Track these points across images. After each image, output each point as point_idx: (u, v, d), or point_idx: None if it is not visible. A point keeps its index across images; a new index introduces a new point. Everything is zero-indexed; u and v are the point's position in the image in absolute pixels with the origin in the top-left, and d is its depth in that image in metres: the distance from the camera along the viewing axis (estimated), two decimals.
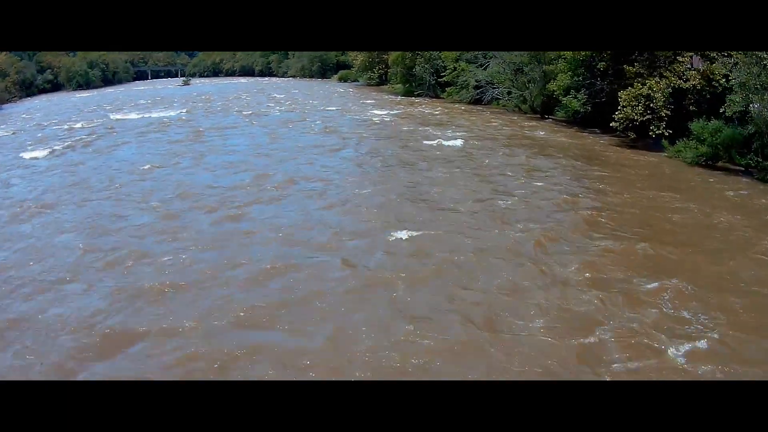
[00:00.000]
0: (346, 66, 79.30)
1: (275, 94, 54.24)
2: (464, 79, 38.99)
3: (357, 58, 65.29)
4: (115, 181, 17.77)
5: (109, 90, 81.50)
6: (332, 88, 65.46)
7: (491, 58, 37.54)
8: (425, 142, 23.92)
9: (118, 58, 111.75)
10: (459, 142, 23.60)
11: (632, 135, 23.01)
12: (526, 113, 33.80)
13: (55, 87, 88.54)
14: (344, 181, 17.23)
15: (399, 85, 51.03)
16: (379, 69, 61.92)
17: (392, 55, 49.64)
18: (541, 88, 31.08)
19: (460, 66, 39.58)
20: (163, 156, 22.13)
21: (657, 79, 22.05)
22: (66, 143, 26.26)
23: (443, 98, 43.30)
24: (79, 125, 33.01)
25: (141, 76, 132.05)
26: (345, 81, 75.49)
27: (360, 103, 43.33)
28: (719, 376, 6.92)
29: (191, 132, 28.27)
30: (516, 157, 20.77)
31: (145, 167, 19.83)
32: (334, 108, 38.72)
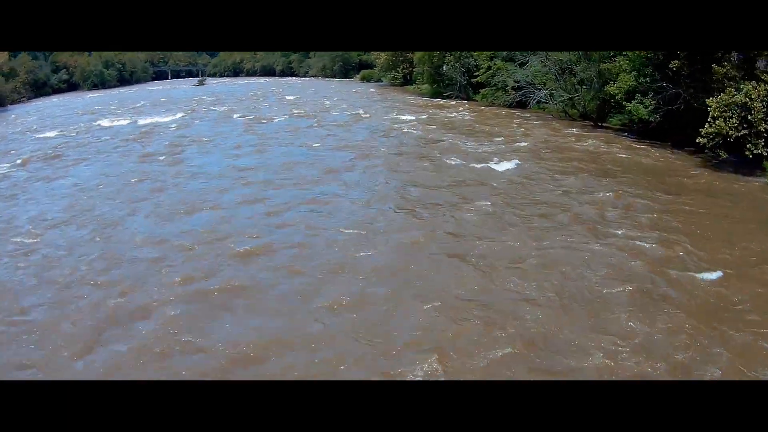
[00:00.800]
0: (369, 65, 74.52)
1: (289, 96, 49.56)
2: (501, 79, 33.80)
3: (380, 57, 60.27)
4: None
5: (122, 90, 79.03)
6: (353, 88, 60.50)
7: (532, 55, 32.46)
8: (457, 160, 18.79)
9: (136, 58, 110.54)
10: (501, 161, 18.47)
11: (723, 154, 17.69)
12: (574, 119, 28.60)
13: (71, 87, 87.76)
14: (340, 241, 11.15)
15: (426, 86, 45.96)
16: (404, 68, 56.99)
17: (418, 54, 44.38)
18: (596, 90, 25.82)
19: (495, 65, 34.42)
20: (107, 188, 16.41)
21: (754, 83, 16.82)
22: (24, 157, 22.01)
23: (476, 101, 38.28)
24: (53, 134, 28.69)
25: (160, 76, 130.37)
26: (367, 81, 70.79)
27: (382, 105, 38.24)
28: None
29: (170, 145, 23.49)
30: (573, 182, 15.78)
31: (57, 218, 13.61)
32: (350, 112, 33.69)
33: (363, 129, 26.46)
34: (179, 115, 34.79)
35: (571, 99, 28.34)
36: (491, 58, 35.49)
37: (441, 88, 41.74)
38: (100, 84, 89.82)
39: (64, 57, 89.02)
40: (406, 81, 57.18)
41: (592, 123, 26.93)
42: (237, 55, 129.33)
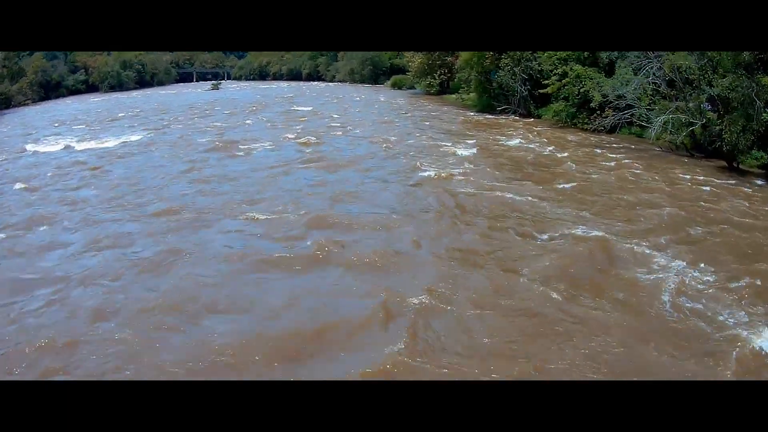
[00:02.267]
0: (401, 70, 65.29)
1: (300, 107, 40.76)
2: (582, 90, 24.42)
3: (413, 60, 51.17)
4: None
5: (134, 94, 73.92)
6: (382, 96, 51.50)
7: (622, 58, 23.24)
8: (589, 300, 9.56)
9: (159, 60, 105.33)
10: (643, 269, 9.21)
11: None
12: (691, 155, 19.35)
13: (90, 88, 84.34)
14: None
15: (472, 96, 36.83)
16: (441, 74, 48.02)
17: (464, 55, 34.58)
18: (749, 117, 16.42)
19: (573, 71, 25.00)
20: None
21: None
22: None
23: (539, 117, 29.29)
24: None
25: (185, 78, 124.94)
26: (399, 88, 61.97)
27: (411, 124, 28.87)
28: None
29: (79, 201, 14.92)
30: None
31: None
32: (365, 138, 24.21)
33: (375, 178, 16.46)
34: (133, 137, 25.92)
35: (689, 126, 18.82)
36: (564, 61, 26.17)
37: (492, 99, 32.39)
38: (118, 86, 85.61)
39: (83, 57, 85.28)
40: (444, 89, 48.49)
41: (726, 163, 17.64)
42: (263, 58, 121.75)
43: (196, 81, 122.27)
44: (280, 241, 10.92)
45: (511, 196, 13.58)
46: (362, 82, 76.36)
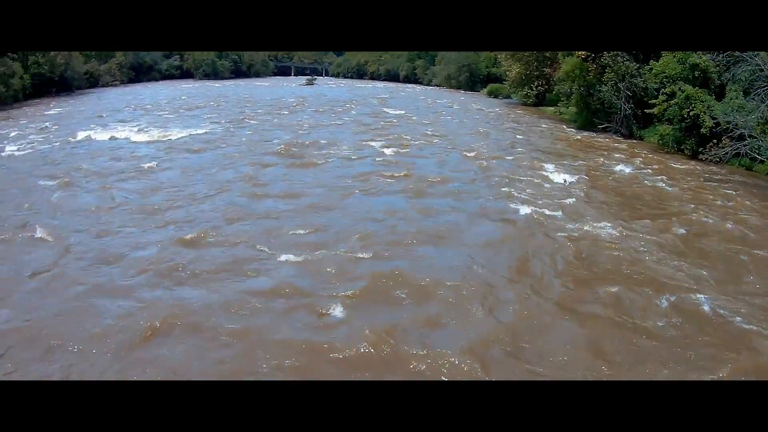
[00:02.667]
0: (498, 78, 63.03)
1: (390, 109, 39.32)
2: (691, 113, 21.58)
3: (511, 69, 48.57)
4: None
5: (227, 83, 75.27)
6: (477, 104, 49.26)
7: (732, 81, 20.33)
8: None
9: (256, 52, 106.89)
10: None
11: None
12: None
13: (185, 74, 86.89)
14: None
15: (571, 110, 34.11)
16: (538, 85, 45.31)
17: (565, 67, 31.53)
18: None
19: (683, 91, 22.08)
20: None
21: None
22: None
23: (646, 140, 26.43)
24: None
25: (283, 71, 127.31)
26: (495, 96, 59.31)
27: (510, 138, 26.48)
28: None
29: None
30: None
31: None
32: (459, 151, 21.94)
33: (462, 209, 13.70)
34: (201, 130, 24.93)
35: None
36: (672, 80, 23.26)
37: (593, 116, 29.51)
38: (213, 74, 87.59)
39: None
40: (540, 100, 45.98)
41: None
42: (361, 57, 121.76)
43: (294, 75, 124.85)
44: (309, 310, 8.05)
45: (625, 243, 11.20)
46: (459, 88, 74.10)
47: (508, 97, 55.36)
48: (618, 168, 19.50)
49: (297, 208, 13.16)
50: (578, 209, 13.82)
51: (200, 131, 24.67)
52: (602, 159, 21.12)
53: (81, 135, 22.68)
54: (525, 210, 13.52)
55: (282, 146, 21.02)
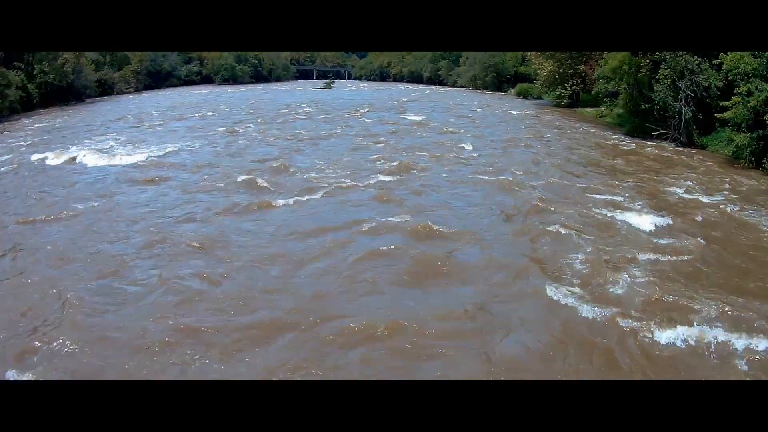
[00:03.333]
0: (526, 78, 58.89)
1: (410, 115, 35.38)
2: None
3: (542, 67, 44.32)
4: None
5: (242, 88, 73.64)
6: (505, 106, 44.86)
7: None
8: None
9: (277, 55, 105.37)
10: None
11: None
12: None
13: (205, 79, 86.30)
14: None
15: (619, 111, 29.87)
16: (573, 84, 40.99)
17: (611, 63, 26.45)
18: None
19: (763, 90, 17.52)
20: None
21: None
22: None
23: (710, 148, 22.06)
24: None
25: (305, 75, 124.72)
26: (524, 97, 55.15)
27: (550, 152, 21.70)
28: None
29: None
30: None
31: None
32: (488, 174, 17.13)
33: (489, 301, 8.48)
34: (172, 147, 21.37)
35: None
36: (746, 76, 18.88)
37: (646, 120, 24.80)
38: (232, 79, 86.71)
39: None
40: (574, 101, 41.95)
41: None
42: (383, 58, 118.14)
43: (316, 78, 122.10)
44: None
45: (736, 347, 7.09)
46: (485, 88, 69.74)
47: (538, 98, 51.46)
48: (690, 196, 14.86)
49: (215, 293, 8.64)
50: (655, 277, 9.18)
51: (171, 149, 21.10)
52: (665, 177, 16.82)
53: (35, 157, 19.28)
54: (585, 315, 7.94)
55: (256, 174, 16.31)
